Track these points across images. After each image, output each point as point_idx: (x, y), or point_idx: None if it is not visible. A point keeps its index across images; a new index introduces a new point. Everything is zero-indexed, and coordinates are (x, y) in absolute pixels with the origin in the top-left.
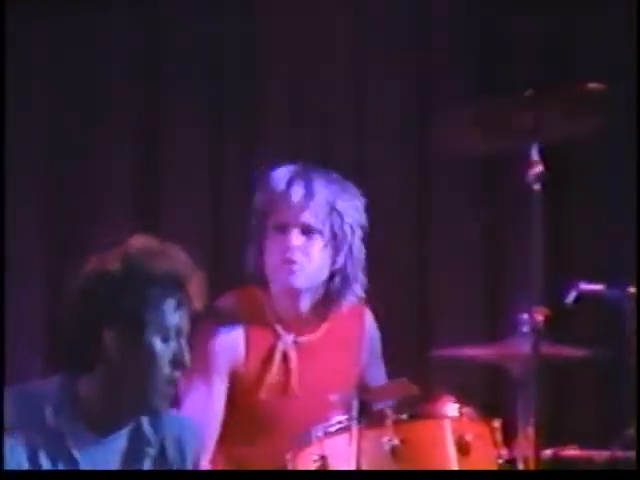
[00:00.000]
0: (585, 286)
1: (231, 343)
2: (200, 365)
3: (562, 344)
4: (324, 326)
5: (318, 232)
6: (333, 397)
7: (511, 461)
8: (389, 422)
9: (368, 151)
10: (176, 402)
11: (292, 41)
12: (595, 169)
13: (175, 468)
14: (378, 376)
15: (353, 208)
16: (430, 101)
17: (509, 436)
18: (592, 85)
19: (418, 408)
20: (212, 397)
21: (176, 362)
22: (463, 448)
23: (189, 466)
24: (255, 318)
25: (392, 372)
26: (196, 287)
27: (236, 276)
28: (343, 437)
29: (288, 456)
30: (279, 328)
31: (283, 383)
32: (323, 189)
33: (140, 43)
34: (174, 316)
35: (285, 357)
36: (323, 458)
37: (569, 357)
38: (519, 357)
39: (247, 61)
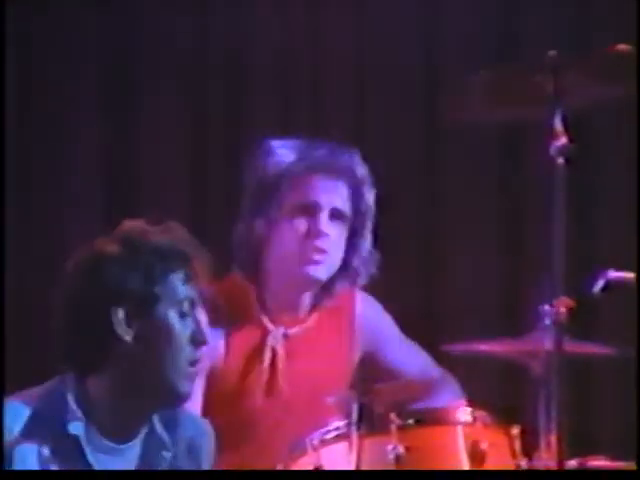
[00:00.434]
0: (614, 274)
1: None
2: None
3: (588, 340)
4: (313, 316)
5: (345, 218)
6: (329, 399)
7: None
8: (393, 428)
9: (370, 122)
10: None
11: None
12: (623, 141)
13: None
14: (406, 358)
15: (368, 191)
16: (441, 66)
17: (529, 444)
18: (622, 46)
19: (426, 412)
20: None
21: (195, 340)
22: (477, 457)
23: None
24: (238, 310)
25: None
26: (200, 263)
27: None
28: (342, 445)
29: (279, 467)
30: (266, 320)
31: (269, 383)
32: (347, 167)
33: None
34: (185, 288)
35: (272, 353)
36: (319, 469)
37: (596, 354)
38: (540, 354)
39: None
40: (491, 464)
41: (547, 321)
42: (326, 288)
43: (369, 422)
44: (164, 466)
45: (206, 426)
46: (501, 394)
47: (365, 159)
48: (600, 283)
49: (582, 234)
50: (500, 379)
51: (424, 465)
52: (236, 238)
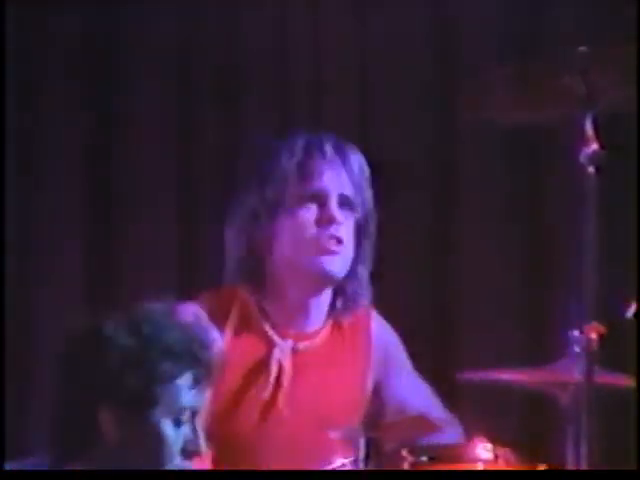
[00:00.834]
0: None
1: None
2: None
3: (620, 369)
4: (325, 329)
5: (353, 207)
6: (334, 434)
7: None
8: (406, 466)
9: (377, 122)
10: None
11: None
12: None
13: None
14: (413, 392)
15: (368, 190)
16: (458, 62)
17: None
18: None
19: (442, 449)
20: None
21: (187, 451)
22: None
23: None
24: (237, 321)
25: None
26: (213, 366)
27: (208, 274)
28: None
29: None
30: (271, 332)
31: (270, 402)
32: (355, 156)
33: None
34: (189, 394)
35: (279, 369)
36: None
37: (629, 386)
38: (568, 384)
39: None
40: None
41: (576, 348)
42: (341, 293)
43: (378, 459)
44: None
45: None
46: (525, 429)
47: (371, 162)
48: (634, 307)
49: (614, 253)
50: (524, 412)
51: None
52: (231, 244)
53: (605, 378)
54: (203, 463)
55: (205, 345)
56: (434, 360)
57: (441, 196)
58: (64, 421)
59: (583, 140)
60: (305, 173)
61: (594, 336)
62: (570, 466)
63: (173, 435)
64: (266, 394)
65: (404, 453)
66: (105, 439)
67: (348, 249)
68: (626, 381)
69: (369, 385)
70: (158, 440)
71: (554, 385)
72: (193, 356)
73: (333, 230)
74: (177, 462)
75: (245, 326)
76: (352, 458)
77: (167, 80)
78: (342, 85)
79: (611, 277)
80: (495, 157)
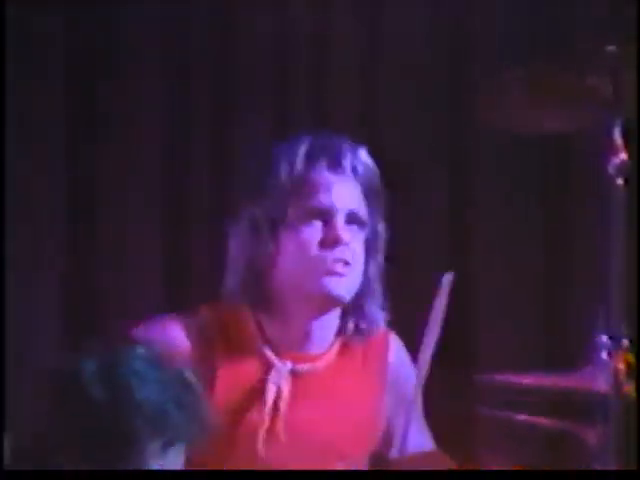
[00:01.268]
0: None
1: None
2: None
3: None
4: (328, 355)
5: (362, 224)
6: (339, 464)
7: None
8: None
9: (384, 125)
10: None
11: None
12: None
13: None
14: (410, 433)
15: (380, 197)
16: (471, 62)
17: None
18: None
19: None
20: None
21: None
22: None
23: None
24: (232, 342)
25: None
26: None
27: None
28: None
29: None
30: (269, 353)
31: (264, 428)
32: (365, 163)
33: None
34: (159, 459)
35: (277, 394)
36: None
37: None
38: (596, 394)
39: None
40: None
41: (604, 355)
42: (352, 313)
43: None
44: None
45: None
46: (547, 451)
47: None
48: None
49: None
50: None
51: None
52: (232, 256)
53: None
54: None
55: (183, 405)
56: (453, 365)
57: (457, 198)
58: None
59: (610, 149)
60: (308, 186)
61: (625, 341)
62: None
63: None
64: (262, 419)
65: None
66: None
67: (356, 270)
68: None
69: (381, 417)
70: None
71: (578, 393)
72: (166, 419)
73: (339, 253)
74: None
75: (241, 345)
76: None
77: (158, 78)
78: (347, 84)
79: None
80: (513, 162)
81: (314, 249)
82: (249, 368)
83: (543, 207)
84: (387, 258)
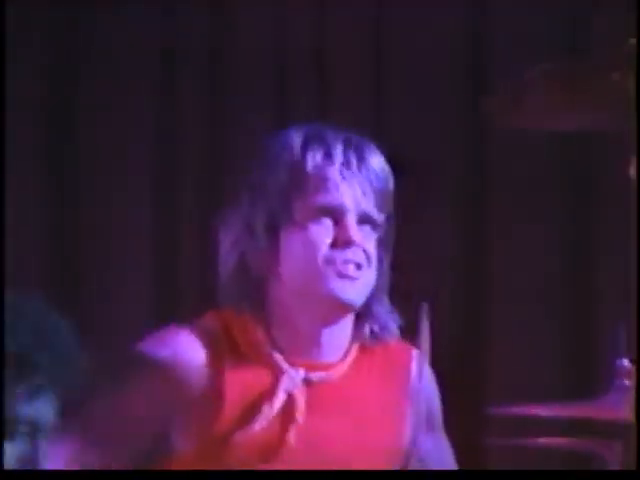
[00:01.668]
0: None
1: (196, 384)
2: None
3: None
4: (344, 363)
5: (375, 225)
6: None
7: None
8: None
9: (394, 127)
10: None
11: None
12: None
13: None
14: (434, 455)
15: (391, 197)
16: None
17: None
18: None
19: None
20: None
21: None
22: None
23: None
24: (240, 347)
25: None
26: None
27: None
28: None
29: None
30: (280, 360)
31: (273, 440)
32: (377, 159)
33: None
34: (28, 405)
35: (288, 401)
36: None
37: None
38: (618, 422)
39: None
40: None
41: (625, 381)
42: (368, 317)
43: None
44: None
45: None
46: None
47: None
48: None
49: None
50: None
51: None
52: (224, 260)
53: None
54: None
55: (50, 349)
56: (467, 393)
57: (473, 210)
58: None
59: (637, 153)
60: (314, 181)
61: None
62: None
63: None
64: (272, 429)
65: None
66: None
67: (369, 273)
68: None
69: (403, 436)
70: None
71: (599, 423)
72: (32, 361)
73: (351, 254)
74: None
75: (250, 352)
76: None
77: (151, 72)
78: (357, 79)
79: None
80: (529, 167)
81: (323, 249)
82: (259, 376)
83: (562, 221)
84: (395, 263)
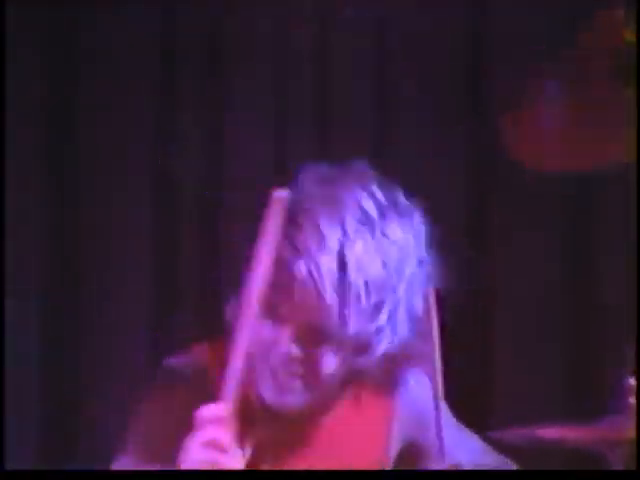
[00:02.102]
0: None
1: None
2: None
3: None
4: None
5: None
6: None
7: None
8: None
9: (390, 140)
10: None
11: None
12: None
13: None
14: (455, 447)
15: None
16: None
17: None
18: None
19: None
20: None
21: None
22: None
23: None
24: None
25: None
26: None
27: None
28: None
29: None
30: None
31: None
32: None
33: None
34: None
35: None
36: None
37: None
38: (623, 443)
39: None
40: None
41: (631, 400)
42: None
43: None
44: None
45: None
46: None
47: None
48: None
49: None
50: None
51: None
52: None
53: None
54: None
55: None
56: (467, 414)
57: (474, 233)
58: None
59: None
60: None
61: None
62: None
63: None
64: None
65: None
66: None
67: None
68: None
69: (390, 454)
70: None
71: (606, 444)
72: None
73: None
74: None
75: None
76: None
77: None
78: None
79: None
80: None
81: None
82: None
83: (563, 229)
84: None
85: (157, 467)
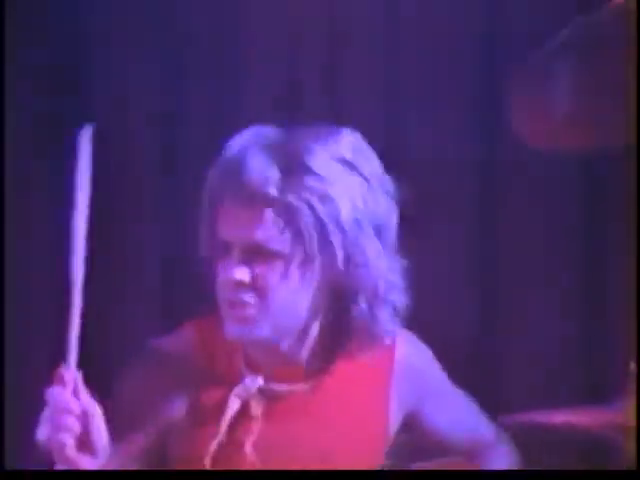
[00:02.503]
0: None
1: (163, 392)
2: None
3: None
4: (324, 371)
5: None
6: None
7: None
8: None
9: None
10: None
11: None
12: None
13: None
14: (454, 420)
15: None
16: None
17: None
18: None
19: None
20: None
21: None
22: None
23: None
24: (216, 361)
25: None
26: None
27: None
28: None
29: None
30: (242, 367)
31: (232, 453)
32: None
33: None
34: None
35: (245, 411)
36: None
37: None
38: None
39: None
40: None
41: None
42: (334, 335)
43: None
44: None
45: None
46: None
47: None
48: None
49: None
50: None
51: None
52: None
53: None
54: None
55: None
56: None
57: (485, 216)
58: None
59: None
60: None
61: None
62: None
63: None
64: (229, 439)
65: None
66: None
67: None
68: None
69: (391, 426)
70: None
71: (616, 429)
72: None
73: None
74: None
75: (222, 365)
76: None
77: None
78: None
79: None
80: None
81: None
82: (223, 387)
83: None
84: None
85: (134, 442)
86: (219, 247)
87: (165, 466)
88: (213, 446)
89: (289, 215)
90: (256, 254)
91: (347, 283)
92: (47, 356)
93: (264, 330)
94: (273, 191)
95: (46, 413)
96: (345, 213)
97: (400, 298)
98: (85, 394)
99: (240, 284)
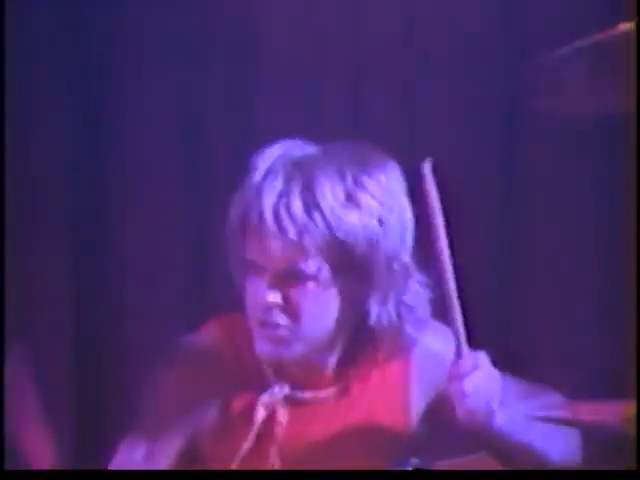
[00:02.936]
0: None
1: (196, 394)
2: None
3: None
4: (349, 377)
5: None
6: None
7: None
8: None
9: (418, 108)
10: None
11: None
12: None
13: None
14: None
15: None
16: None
17: None
18: None
19: None
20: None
21: None
22: None
23: None
24: (244, 364)
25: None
26: None
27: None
28: None
29: None
30: (269, 372)
31: (256, 462)
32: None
33: None
34: None
35: (271, 418)
36: None
37: None
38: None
39: None
40: None
41: None
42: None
43: None
44: None
45: None
46: None
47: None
48: None
49: None
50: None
51: None
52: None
53: None
54: None
55: None
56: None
57: (507, 200)
58: None
59: None
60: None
61: None
62: None
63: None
64: (254, 448)
65: None
66: None
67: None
68: None
69: (413, 417)
70: None
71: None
72: None
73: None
74: None
75: (247, 363)
76: None
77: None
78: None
79: None
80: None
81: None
82: (249, 391)
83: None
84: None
85: (169, 442)
86: (248, 266)
87: (195, 467)
88: (243, 451)
89: (317, 237)
90: (288, 277)
91: (373, 294)
92: (47, 356)
93: (296, 350)
94: (302, 216)
95: None
96: (367, 230)
97: (424, 308)
98: None
99: (272, 305)
